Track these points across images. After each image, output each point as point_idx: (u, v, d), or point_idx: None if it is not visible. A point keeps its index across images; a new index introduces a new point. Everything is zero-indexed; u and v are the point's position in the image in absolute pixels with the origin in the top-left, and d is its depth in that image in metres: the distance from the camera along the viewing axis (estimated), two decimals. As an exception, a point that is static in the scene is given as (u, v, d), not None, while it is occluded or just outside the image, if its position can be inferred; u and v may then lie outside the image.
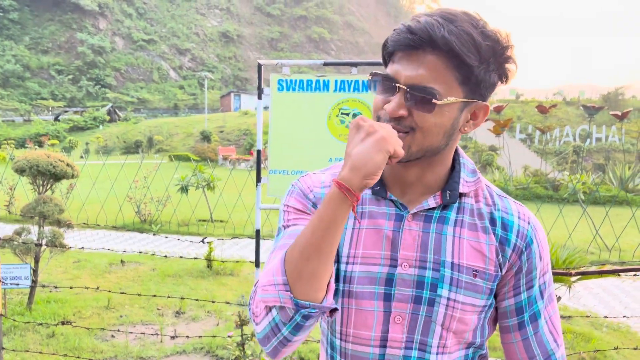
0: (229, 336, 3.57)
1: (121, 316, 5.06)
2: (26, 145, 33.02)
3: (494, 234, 0.98)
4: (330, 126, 4.24)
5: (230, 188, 10.97)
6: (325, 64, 4.39)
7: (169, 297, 4.06)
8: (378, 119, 0.96)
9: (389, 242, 0.98)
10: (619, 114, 22.32)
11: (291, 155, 4.27)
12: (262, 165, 4.35)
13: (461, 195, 1.00)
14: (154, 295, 3.89)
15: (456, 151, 1.03)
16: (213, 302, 4.00)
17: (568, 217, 9.56)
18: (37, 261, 5.02)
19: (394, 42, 0.92)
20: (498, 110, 25.84)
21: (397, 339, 0.98)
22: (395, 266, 0.97)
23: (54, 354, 3.90)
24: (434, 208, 0.99)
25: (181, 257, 4.21)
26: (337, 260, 1.01)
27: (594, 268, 4.37)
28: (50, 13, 78.96)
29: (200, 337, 4.27)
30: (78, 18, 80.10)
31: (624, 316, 4.03)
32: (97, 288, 4.22)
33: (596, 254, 8.26)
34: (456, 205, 0.99)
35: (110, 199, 10.49)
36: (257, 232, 4.49)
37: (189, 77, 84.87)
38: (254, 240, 9.10)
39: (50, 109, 58.25)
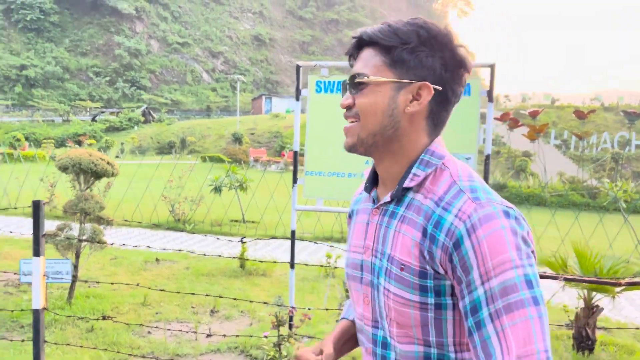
0: (265, 336, 3.58)
1: (157, 313, 5.14)
2: (67, 145, 34.00)
3: (424, 230, 0.98)
4: (368, 128, 4.21)
5: (262, 189, 11.04)
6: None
7: (207, 295, 4.10)
8: (346, 119, 1.08)
9: (363, 233, 1.12)
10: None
11: (328, 157, 4.27)
12: (298, 167, 4.36)
13: (414, 190, 1.03)
14: (193, 294, 3.93)
15: (431, 144, 1.05)
16: (251, 301, 4.02)
17: (607, 226, 9.28)
18: (77, 257, 5.15)
19: (347, 53, 1.09)
20: (533, 115, 25.32)
21: (367, 317, 1.10)
22: (363, 253, 1.11)
23: (94, 348, 3.98)
24: (390, 202, 1.06)
25: (219, 255, 4.24)
26: (347, 250, 1.19)
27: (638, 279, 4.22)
28: (89, 16, 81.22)
29: (236, 336, 4.30)
30: (116, 21, 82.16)
31: None
32: (137, 284, 4.31)
33: (638, 264, 7.97)
34: (407, 200, 1.03)
35: (145, 198, 10.69)
36: (293, 233, 4.52)
37: (221, 79, 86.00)
38: (286, 241, 9.15)
39: (87, 109, 59.89)
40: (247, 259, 6.83)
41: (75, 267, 5.09)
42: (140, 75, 77.62)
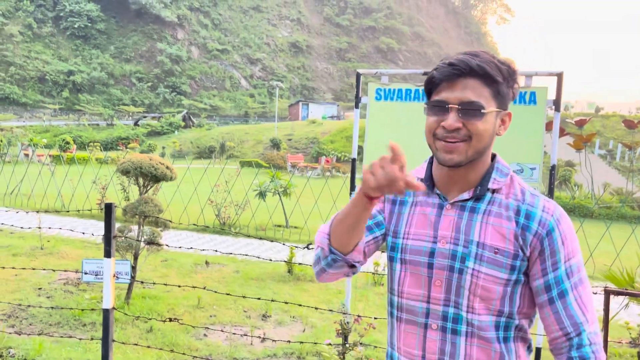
0: (328, 344, 3.58)
1: (211, 316, 5.22)
2: (118, 147, 34.96)
3: (516, 221, 1.24)
4: (429, 137, 4.18)
5: (305, 195, 11.09)
6: (425, 74, 4.35)
7: (259, 299, 4.13)
8: (434, 136, 1.26)
9: (432, 224, 1.31)
10: None
11: (387, 165, 4.26)
12: (353, 174, 4.36)
13: (494, 191, 1.28)
14: (259, 298, 3.97)
15: (495, 157, 1.33)
16: (316, 308, 4.03)
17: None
18: (136, 258, 5.28)
19: (441, 75, 1.24)
20: (580, 124, 24.56)
21: (437, 297, 1.29)
22: (436, 242, 1.30)
23: (160, 349, 4.06)
24: (467, 199, 1.29)
25: (270, 260, 4.27)
26: (397, 236, 1.37)
27: None
28: (133, 24, 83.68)
29: (288, 342, 4.32)
30: (158, 29, 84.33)
31: None
32: (194, 287, 4.37)
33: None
34: (488, 198, 1.28)
35: (192, 202, 10.89)
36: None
37: (259, 86, 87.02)
38: (310, 248, 9.16)
39: (130, 114, 61.62)
40: (293, 263, 6.87)
41: (134, 268, 5.22)
42: (181, 81, 79.31)
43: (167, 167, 5.26)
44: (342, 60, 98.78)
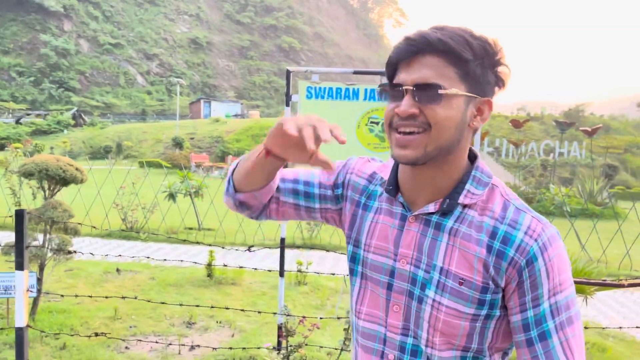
0: (268, 347, 3.47)
1: (131, 327, 4.88)
2: (6, 148, 31.63)
3: (489, 246, 1.00)
4: (359, 135, 4.23)
5: (211, 196, 10.76)
6: (356, 73, 4.40)
7: (198, 305, 3.93)
8: (390, 126, 1.03)
9: (393, 238, 1.09)
10: (589, 130, 23.13)
11: (319, 163, 4.24)
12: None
13: (465, 206, 1.03)
14: (181, 304, 3.75)
15: (476, 162, 1.07)
16: (259, 312, 3.87)
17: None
18: (42, 269, 4.80)
19: (396, 53, 1.00)
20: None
21: (395, 325, 1.09)
22: (396, 261, 1.08)
23: (78, 366, 3.71)
24: (432, 213, 1.05)
25: (194, 263, 4.07)
26: (358, 246, 1.16)
27: (608, 280, 4.48)
28: (12, 13, 76.31)
29: (231, 348, 4.15)
30: (42, 19, 77.69)
31: (628, 327, 4.16)
32: (107, 297, 4.07)
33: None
34: (457, 214, 1.03)
35: (94, 205, 10.15)
36: (282, 240, 4.44)
37: (157, 82, 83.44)
38: (258, 250, 8.98)
39: (10, 111, 56.19)
40: (214, 267, 6.64)
41: (39, 280, 4.74)
42: (69, 76, 73.86)
43: (77, 169, 4.83)
44: (244, 58, 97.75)
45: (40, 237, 4.84)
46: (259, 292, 6.32)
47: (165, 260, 4.08)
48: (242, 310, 4.23)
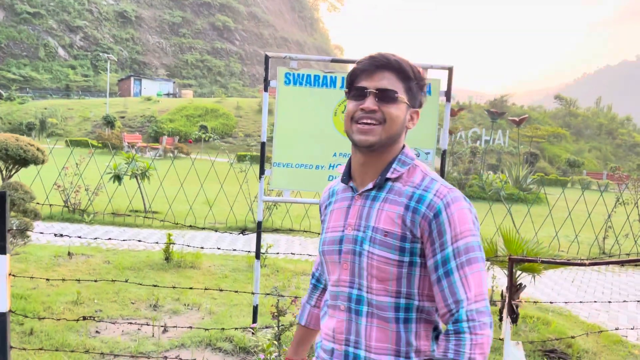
0: (253, 327, 3.57)
1: (96, 311, 4.79)
2: None
3: (407, 205, 1.33)
4: (336, 122, 4.36)
5: (163, 178, 10.54)
6: (333, 61, 4.51)
7: (179, 287, 3.94)
8: (352, 119, 1.39)
9: (344, 215, 1.43)
10: (517, 119, 24.55)
11: (296, 149, 4.33)
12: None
13: (395, 180, 1.38)
14: (154, 285, 3.76)
15: (403, 149, 1.42)
16: (253, 293, 3.90)
17: (482, 214, 10.48)
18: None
19: (362, 66, 1.38)
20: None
21: (345, 280, 1.41)
22: (344, 230, 1.41)
23: (57, 349, 3.63)
24: (371, 189, 1.40)
25: (155, 242, 4.06)
26: (322, 233, 1.51)
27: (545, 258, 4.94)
28: None
29: (207, 329, 4.19)
30: (-51, -19, 70.88)
31: (572, 302, 4.64)
32: (63, 280, 3.99)
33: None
34: (388, 187, 1.38)
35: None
36: (259, 224, 4.53)
37: (81, 57, 78.68)
38: (208, 233, 8.89)
39: None
40: (172, 250, 6.58)
41: (-2, 265, 4.52)
42: (-19, 46, 68.06)
43: (38, 149, 4.63)
44: (176, 35, 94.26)
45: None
46: (220, 274, 6.35)
47: (124, 240, 4.04)
48: (220, 290, 4.28)
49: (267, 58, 4.34)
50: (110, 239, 3.58)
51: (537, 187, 19.57)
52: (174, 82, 62.60)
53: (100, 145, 26.45)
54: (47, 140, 30.65)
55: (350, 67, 4.46)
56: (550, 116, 61.90)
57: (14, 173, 4.65)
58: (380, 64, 1.36)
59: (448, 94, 4.39)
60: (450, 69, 4.37)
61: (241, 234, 4.28)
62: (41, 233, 3.43)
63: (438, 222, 1.29)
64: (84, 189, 9.45)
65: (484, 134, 37.66)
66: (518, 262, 3.85)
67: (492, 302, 5.62)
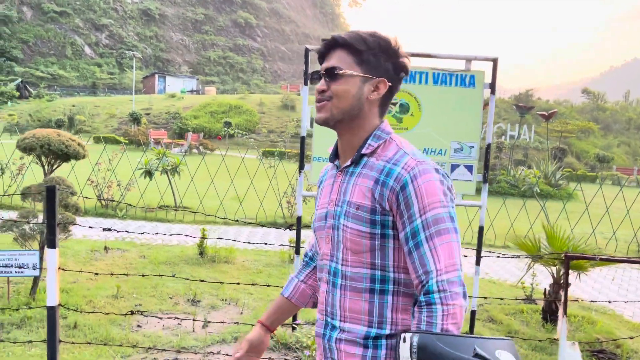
0: (298, 324, 3.52)
1: (136, 305, 4.82)
2: None
3: (377, 179, 1.33)
4: (377, 115, 4.28)
5: (194, 174, 10.59)
6: (374, 54, 4.42)
7: (222, 282, 3.92)
8: (317, 100, 1.41)
9: (329, 191, 1.46)
10: (546, 114, 24.04)
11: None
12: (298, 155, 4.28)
13: (369, 155, 1.38)
14: (187, 279, 3.74)
15: (382, 124, 1.41)
16: (268, 286, 3.89)
17: (511, 209, 10.27)
18: (42, 248, 4.64)
19: (319, 50, 1.43)
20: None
21: (327, 253, 1.44)
22: (328, 206, 1.44)
23: (105, 344, 3.65)
24: (349, 166, 1.41)
25: (189, 236, 4.04)
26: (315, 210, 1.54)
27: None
28: (-54, -26, 70.81)
29: (238, 323, 4.18)
30: (-21, -18, 72.54)
31: (616, 301, 4.51)
32: (112, 274, 4.00)
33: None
34: (363, 162, 1.39)
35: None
36: (299, 219, 4.50)
37: (106, 55, 79.93)
38: (239, 228, 8.90)
39: (-53, 80, 52.51)
40: (206, 245, 6.59)
41: (41, 259, 4.58)
42: (11, 45, 69.53)
43: (79, 144, 4.67)
44: (199, 32, 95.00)
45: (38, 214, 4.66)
46: (255, 269, 6.35)
47: (157, 234, 4.02)
48: (267, 285, 4.25)
49: (307, 51, 4.28)
50: (143, 233, 3.58)
51: (566, 183, 19.17)
52: (198, 79, 63.12)
53: (126, 141, 26.81)
54: (76, 136, 31.20)
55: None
56: (577, 110, 60.57)
57: (56, 168, 4.69)
58: (329, 44, 1.40)
59: (493, 86, 4.28)
60: (494, 60, 4.25)
61: (287, 229, 4.24)
62: (90, 227, 3.45)
63: (405, 194, 1.29)
64: (115, 184, 9.55)
65: (508, 129, 37.06)
66: (574, 259, 3.72)
67: (533, 301, 5.49)
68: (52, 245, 3.06)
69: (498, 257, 4.10)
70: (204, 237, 6.50)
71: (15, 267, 4.34)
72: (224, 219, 4.72)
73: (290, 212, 9.83)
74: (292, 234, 8.13)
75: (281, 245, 6.55)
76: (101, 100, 46.98)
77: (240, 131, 34.66)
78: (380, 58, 1.36)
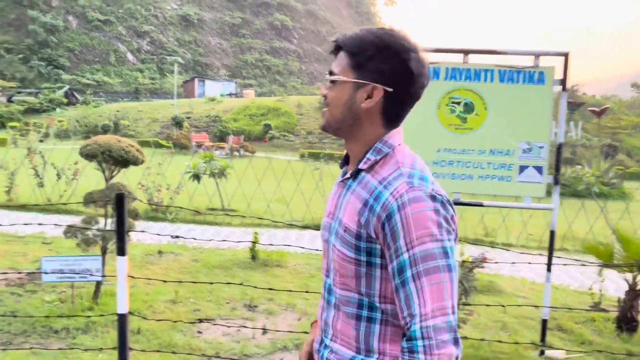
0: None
1: (195, 310, 4.81)
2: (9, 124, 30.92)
3: (366, 201, 1.20)
4: (440, 115, 4.14)
5: (241, 177, 10.64)
6: (437, 51, 4.28)
7: (271, 288, 3.86)
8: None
9: (333, 202, 1.36)
10: (597, 110, 23.16)
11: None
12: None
13: (367, 170, 1.25)
14: (240, 284, 3.68)
15: (384, 137, 1.26)
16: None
17: (568, 211, 9.83)
18: (104, 253, 4.69)
19: (330, 52, 1.33)
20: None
21: (324, 267, 1.38)
22: (327, 216, 1.36)
23: (173, 352, 3.64)
24: (349, 178, 1.30)
25: (248, 242, 3.99)
26: None
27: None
28: (-2, -13, 74.20)
29: (305, 332, 4.11)
30: (28, -6, 75.67)
31: None
32: (181, 282, 3.99)
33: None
34: (360, 177, 1.26)
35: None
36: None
37: (148, 60, 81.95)
38: (287, 231, 8.88)
39: (1, 89, 55.01)
40: (257, 249, 6.56)
41: (103, 264, 4.63)
42: (58, 53, 72.27)
43: (138, 150, 4.70)
44: (236, 36, 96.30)
45: (101, 220, 4.72)
46: (307, 274, 6.28)
47: (211, 240, 3.99)
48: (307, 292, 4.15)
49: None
50: (194, 238, 3.54)
51: (620, 182, 18.36)
52: (236, 83, 63.95)
53: (169, 144, 27.34)
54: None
55: (456, 57, 4.16)
56: (627, 105, 58.14)
57: (116, 174, 4.74)
58: (334, 46, 1.31)
59: (564, 83, 4.06)
60: (566, 55, 4.04)
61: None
62: (158, 235, 3.44)
63: (390, 224, 1.15)
64: (164, 187, 9.69)
65: (553, 126, 35.80)
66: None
67: (603, 309, 5.20)
68: (122, 252, 3.06)
69: (566, 264, 3.89)
70: (255, 242, 6.47)
71: (79, 272, 4.41)
72: (274, 222, 4.66)
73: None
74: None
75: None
76: (143, 105, 48.16)
77: (283, 133, 34.94)
78: (375, 61, 1.22)
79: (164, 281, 3.57)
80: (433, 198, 1.15)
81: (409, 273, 1.12)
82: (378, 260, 1.20)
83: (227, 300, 5.13)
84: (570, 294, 6.06)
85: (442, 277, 1.12)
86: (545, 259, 4.15)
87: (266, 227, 8.95)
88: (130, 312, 3.18)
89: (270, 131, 34.51)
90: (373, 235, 1.18)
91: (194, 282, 4.40)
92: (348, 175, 1.30)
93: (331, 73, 1.28)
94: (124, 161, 4.59)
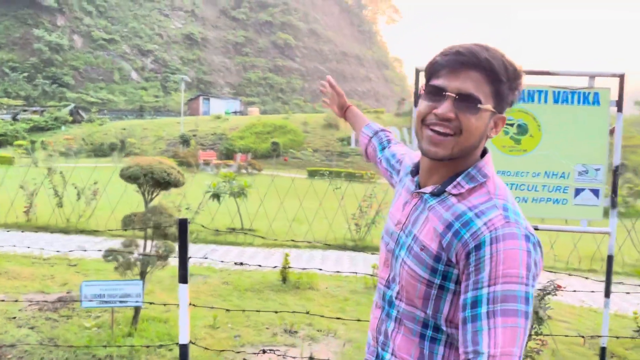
0: None
1: (235, 337, 4.69)
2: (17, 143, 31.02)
3: (450, 224, 1.14)
4: (494, 139, 4.06)
5: (263, 196, 10.56)
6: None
7: (307, 312, 3.74)
8: (422, 122, 1.19)
9: (401, 208, 1.31)
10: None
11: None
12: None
13: (455, 194, 1.19)
14: (275, 312, 3.55)
15: (480, 161, 1.21)
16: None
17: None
18: (143, 277, 4.59)
19: (445, 61, 1.15)
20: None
21: (384, 277, 1.32)
22: (395, 225, 1.30)
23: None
24: (427, 193, 1.23)
25: (274, 267, 3.88)
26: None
27: None
28: (4, 7, 74.94)
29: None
30: (34, 13, 76.44)
31: None
32: (228, 310, 3.86)
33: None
34: (443, 197, 1.20)
35: (120, 205, 9.89)
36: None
37: (152, 78, 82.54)
38: (311, 251, 8.75)
39: (6, 107, 55.25)
40: (288, 271, 6.44)
41: (142, 288, 4.52)
42: (63, 71, 72.80)
43: (179, 172, 4.62)
44: (239, 54, 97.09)
45: (141, 242, 4.62)
46: (341, 297, 6.15)
47: (241, 263, 3.88)
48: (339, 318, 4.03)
49: (417, 72, 4.10)
50: (223, 261, 3.43)
51: (632, 200, 18.28)
52: (241, 101, 64.24)
53: (177, 162, 27.35)
54: (125, 159, 32.05)
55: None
56: (630, 123, 58.23)
57: (156, 196, 4.66)
58: (466, 61, 1.13)
59: (620, 104, 3.98)
60: (621, 77, 3.97)
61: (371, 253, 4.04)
62: (205, 258, 3.32)
63: (478, 255, 1.07)
64: (184, 207, 9.60)
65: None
66: None
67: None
68: (184, 280, 2.96)
69: (629, 292, 3.78)
70: (286, 267, 6.36)
71: (119, 297, 4.29)
72: (301, 242, 4.56)
73: (358, 235, 9.62)
74: (374, 259, 7.93)
75: (369, 274, 6.32)
76: (148, 123, 48.33)
77: (290, 151, 34.99)
78: (509, 89, 1.16)
79: (227, 310, 3.45)
80: (527, 238, 1.09)
81: (484, 309, 1.05)
82: (452, 286, 1.15)
83: (267, 326, 5.00)
84: (612, 318, 5.92)
85: (517, 322, 1.04)
86: (602, 286, 4.03)
87: (289, 247, 8.84)
88: (192, 343, 3.06)
89: (277, 149, 34.51)
90: (454, 260, 1.13)
91: (257, 311, 4.28)
92: (429, 190, 1.22)
93: (473, 98, 1.13)
94: (165, 183, 4.50)
